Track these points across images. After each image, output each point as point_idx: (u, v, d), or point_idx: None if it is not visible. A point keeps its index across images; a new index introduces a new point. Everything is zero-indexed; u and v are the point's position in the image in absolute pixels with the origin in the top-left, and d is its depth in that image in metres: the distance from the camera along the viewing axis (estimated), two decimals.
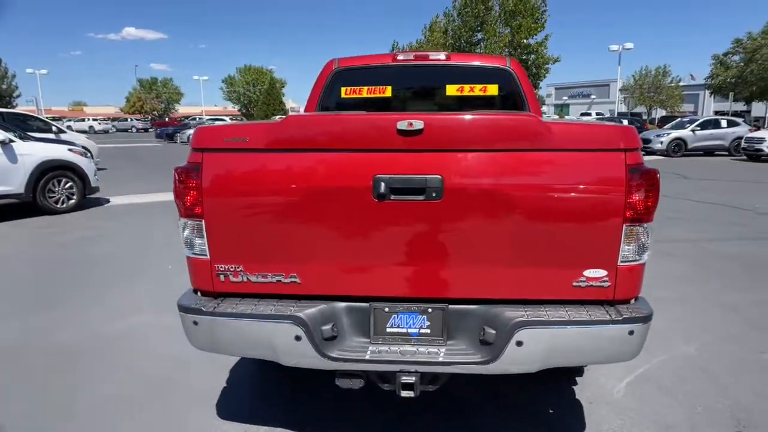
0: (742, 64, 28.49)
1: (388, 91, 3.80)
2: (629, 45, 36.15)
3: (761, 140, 18.01)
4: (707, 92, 37.85)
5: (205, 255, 2.16)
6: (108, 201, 9.80)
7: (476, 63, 3.96)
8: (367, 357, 2.08)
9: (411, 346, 2.13)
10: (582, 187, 1.99)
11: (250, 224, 2.11)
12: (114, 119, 69.38)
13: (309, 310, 2.10)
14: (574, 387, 3.01)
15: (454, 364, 2.06)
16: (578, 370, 3.13)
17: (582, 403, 2.84)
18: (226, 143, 2.09)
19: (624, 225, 2.00)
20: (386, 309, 2.15)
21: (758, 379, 3.06)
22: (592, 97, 60.78)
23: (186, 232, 2.18)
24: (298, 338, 2.07)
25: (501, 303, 2.11)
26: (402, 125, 1.98)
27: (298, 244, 2.12)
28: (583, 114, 39.24)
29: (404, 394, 2.10)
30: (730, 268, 5.35)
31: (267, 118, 44.05)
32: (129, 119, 67.67)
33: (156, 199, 9.93)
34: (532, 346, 2.00)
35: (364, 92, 3.81)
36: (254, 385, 3.10)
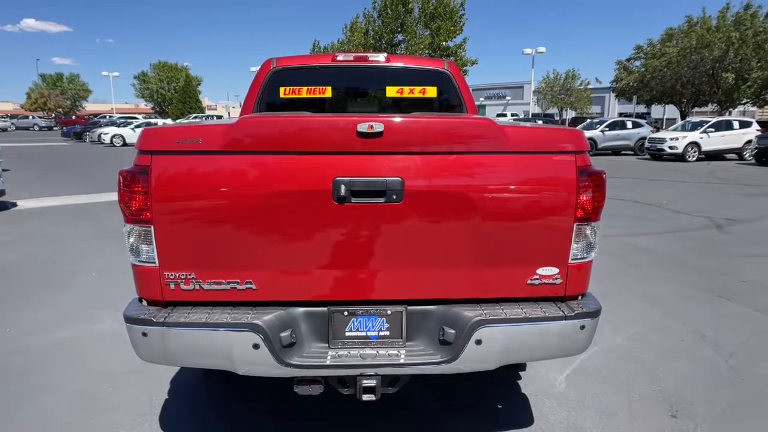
0: (642, 69, 30.93)
1: (328, 92, 3.74)
2: (542, 49, 38.21)
3: (662, 140, 19.78)
4: (612, 95, 40.85)
5: (154, 262, 2.02)
6: (15, 204, 8.97)
7: (415, 65, 3.99)
8: (328, 362, 2.03)
9: (371, 349, 2.10)
10: (535, 188, 2.06)
11: (203, 230, 2.00)
12: (13, 116, 63.64)
13: (267, 317, 2.02)
14: (518, 381, 3.12)
15: (415, 365, 2.05)
16: (521, 366, 3.23)
17: (528, 397, 2.95)
18: (178, 145, 1.96)
19: (575, 224, 2.09)
20: (345, 313, 2.11)
21: (683, 365, 3.33)
22: (507, 98, 63.61)
23: (132, 239, 2.03)
24: (256, 346, 1.98)
25: (458, 302, 2.14)
26: (362, 127, 1.95)
27: (254, 250, 2.03)
28: (498, 115, 40.97)
29: (365, 397, 2.08)
30: (646, 261, 5.79)
31: (183, 116, 42.17)
32: (31, 117, 62.26)
33: (68, 201, 9.21)
34: (491, 344, 2.05)
35: (304, 92, 3.72)
36: (193, 401, 2.95)
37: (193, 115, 41.88)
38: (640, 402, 2.89)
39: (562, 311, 2.11)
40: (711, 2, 57.99)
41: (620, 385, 3.07)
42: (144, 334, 2.00)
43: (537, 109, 44.25)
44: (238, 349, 1.99)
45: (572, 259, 2.13)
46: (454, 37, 28.72)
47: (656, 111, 43.78)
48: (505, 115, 41.07)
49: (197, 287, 2.05)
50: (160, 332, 1.98)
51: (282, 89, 3.69)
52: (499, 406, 2.89)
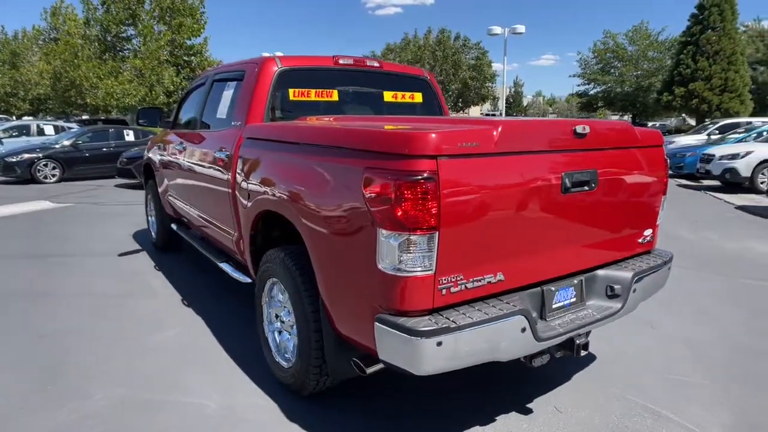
0: None
1: (335, 95, 3.75)
2: (279, 53, 39.45)
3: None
4: None
5: (430, 270, 2.01)
6: None
7: (404, 72, 4.28)
8: (560, 330, 2.38)
9: (572, 314, 2.53)
10: (651, 170, 2.80)
11: (476, 230, 2.10)
12: None
13: (523, 303, 2.25)
14: None
15: (606, 318, 2.57)
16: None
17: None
18: (461, 148, 2.01)
19: (663, 197, 2.91)
20: (552, 288, 2.47)
21: None
22: None
23: (407, 248, 1.97)
24: (523, 330, 2.20)
25: (607, 265, 2.73)
26: (579, 129, 2.36)
27: (506, 243, 2.22)
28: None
29: (582, 353, 2.51)
30: None
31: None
32: None
33: None
34: (639, 291, 2.72)
35: (312, 95, 3.66)
36: None
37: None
38: None
39: (663, 259, 2.92)
40: (424, 24, 68.05)
41: None
42: (439, 344, 1.99)
43: None
44: (510, 335, 2.18)
45: (658, 221, 2.96)
46: (198, 35, 27.29)
47: None
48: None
49: (463, 288, 2.13)
50: (455, 338, 2.01)
51: (291, 91, 3.55)
52: None
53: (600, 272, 2.67)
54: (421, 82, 4.24)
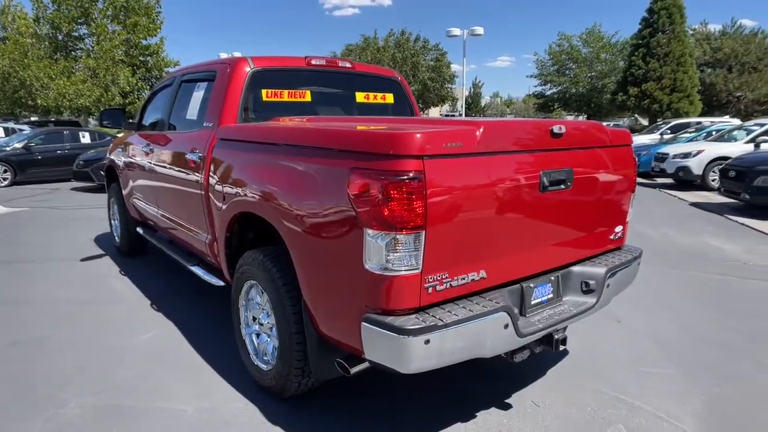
0: None
1: (307, 96, 3.73)
2: (238, 54, 38.85)
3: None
4: None
5: (416, 269, 2.03)
6: None
7: (376, 73, 4.27)
8: (540, 326, 2.44)
9: (550, 310, 2.59)
10: (620, 169, 2.89)
11: (460, 229, 2.13)
12: None
13: (505, 300, 2.29)
14: None
15: (581, 313, 2.65)
16: None
17: None
18: (446, 149, 2.04)
19: (632, 193, 3.02)
20: (531, 285, 2.53)
21: None
22: None
23: (394, 248, 1.98)
24: (506, 326, 2.25)
25: (581, 261, 2.81)
26: (555, 128, 2.42)
27: (489, 241, 2.26)
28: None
29: (561, 347, 2.58)
30: None
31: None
32: None
33: None
34: (613, 285, 2.81)
35: (285, 96, 3.62)
36: None
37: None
38: None
39: (633, 255, 3.02)
40: (385, 26, 67.90)
41: None
42: (427, 342, 2.01)
43: None
44: (494, 332, 2.22)
45: (628, 218, 3.07)
46: (155, 35, 26.54)
47: None
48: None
49: (447, 286, 2.15)
50: (441, 336, 2.03)
51: (264, 92, 3.51)
52: None
53: (575, 268, 2.75)
54: (392, 82, 4.26)
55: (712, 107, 28.09)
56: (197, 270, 3.81)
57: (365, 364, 2.37)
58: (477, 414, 2.75)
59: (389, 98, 4.20)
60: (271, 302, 2.70)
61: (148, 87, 27.93)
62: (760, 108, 27.80)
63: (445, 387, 3.01)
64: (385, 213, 1.96)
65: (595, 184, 2.72)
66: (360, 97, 4.03)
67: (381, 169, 1.98)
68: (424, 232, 2.00)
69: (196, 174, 3.44)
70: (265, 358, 2.93)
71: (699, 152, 11.65)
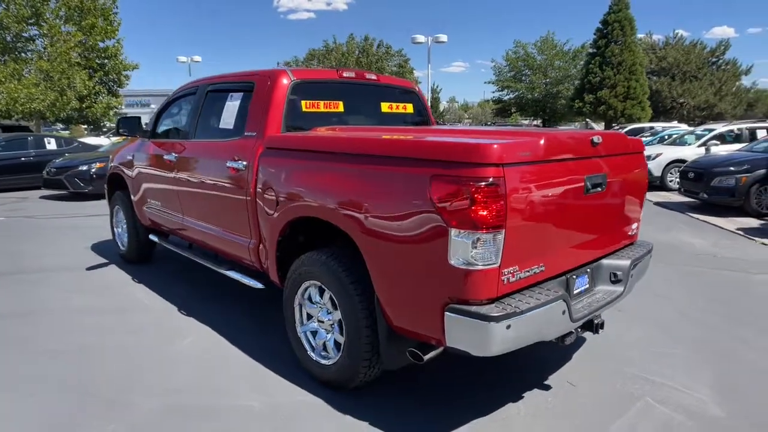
0: None
1: (340, 106, 3.95)
2: (198, 58, 38.21)
3: None
4: None
5: (495, 263, 2.31)
6: None
7: (397, 84, 4.53)
8: (586, 312, 2.77)
9: (588, 299, 2.93)
10: (640, 172, 3.28)
11: (527, 228, 2.42)
12: None
13: (559, 289, 2.61)
14: None
15: (613, 300, 3.00)
16: None
17: None
18: (521, 157, 2.33)
19: (644, 194, 3.42)
20: (574, 276, 2.86)
21: None
22: (152, 106, 60.19)
23: (478, 245, 2.25)
24: (564, 312, 2.56)
25: (608, 255, 3.17)
26: (595, 139, 2.77)
27: (546, 238, 2.57)
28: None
29: (600, 332, 2.92)
30: None
31: None
32: None
33: None
34: (635, 275, 3.18)
35: (321, 107, 3.84)
36: None
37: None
38: None
39: (647, 248, 3.41)
40: (341, 31, 67.77)
41: None
42: (507, 327, 2.29)
43: None
44: (556, 317, 2.53)
45: (641, 216, 3.46)
46: (113, 37, 25.78)
47: None
48: None
49: (517, 278, 2.45)
50: (518, 321, 2.32)
51: (304, 103, 3.71)
52: None
53: (604, 261, 3.10)
54: (411, 94, 4.53)
55: (658, 113, 29.89)
56: (233, 274, 3.95)
57: (436, 352, 2.64)
58: (524, 395, 3.06)
59: (409, 108, 4.47)
60: (336, 300, 2.91)
61: (105, 91, 27.13)
62: (701, 113, 29.81)
63: (491, 374, 3.30)
64: (471, 215, 2.23)
65: (621, 186, 3.08)
66: (384, 107, 4.29)
67: (466, 175, 2.25)
68: (503, 231, 2.29)
69: (239, 181, 3.59)
70: (322, 353, 3.13)
71: (658, 155, 12.48)
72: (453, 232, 2.28)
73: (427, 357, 2.64)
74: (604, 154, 2.90)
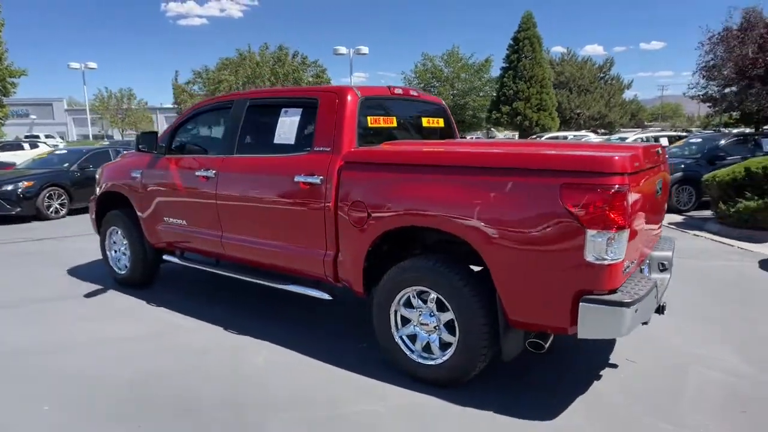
0: (204, 92, 33.60)
1: (394, 122, 4.19)
2: (93, 65, 35.54)
3: None
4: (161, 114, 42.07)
5: (621, 258, 2.71)
6: None
7: (431, 100, 4.83)
8: (660, 296, 3.26)
9: None
10: (665, 177, 3.87)
11: (635, 226, 2.86)
12: None
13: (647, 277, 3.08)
14: None
15: (665, 286, 3.52)
16: None
17: None
18: (633, 167, 2.75)
19: (667, 196, 4.02)
20: (643, 267, 3.36)
21: None
22: (32, 117, 54.86)
23: (609, 243, 2.64)
24: (655, 296, 3.03)
25: (654, 249, 3.71)
26: (659, 150, 3.29)
27: (637, 235, 3.02)
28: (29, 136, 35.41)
29: (665, 312, 3.42)
30: None
31: None
32: None
33: None
34: (674, 263, 3.76)
35: (382, 122, 4.06)
36: None
37: None
38: None
39: (672, 242, 4.01)
40: (255, 40, 65.90)
41: None
42: (636, 311, 2.70)
43: (97, 130, 40.58)
44: (652, 301, 2.99)
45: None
46: None
47: None
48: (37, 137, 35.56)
49: (627, 270, 2.88)
50: (640, 305, 2.74)
51: (369, 118, 3.92)
52: None
53: (653, 253, 3.64)
54: (442, 109, 4.86)
55: (564, 122, 32.85)
56: (297, 288, 4.02)
57: (550, 340, 3.00)
58: (601, 373, 3.49)
59: (441, 122, 4.79)
60: (447, 301, 3.15)
61: None
62: (595, 123, 33.14)
63: (565, 359, 3.70)
64: (606, 217, 2.61)
65: (664, 188, 3.64)
66: (425, 121, 4.58)
67: (600, 183, 2.63)
68: (627, 230, 2.69)
69: (313, 194, 3.69)
70: (424, 354, 3.34)
71: None
72: (589, 232, 2.64)
73: (547, 345, 2.98)
74: (660, 163, 3.44)
